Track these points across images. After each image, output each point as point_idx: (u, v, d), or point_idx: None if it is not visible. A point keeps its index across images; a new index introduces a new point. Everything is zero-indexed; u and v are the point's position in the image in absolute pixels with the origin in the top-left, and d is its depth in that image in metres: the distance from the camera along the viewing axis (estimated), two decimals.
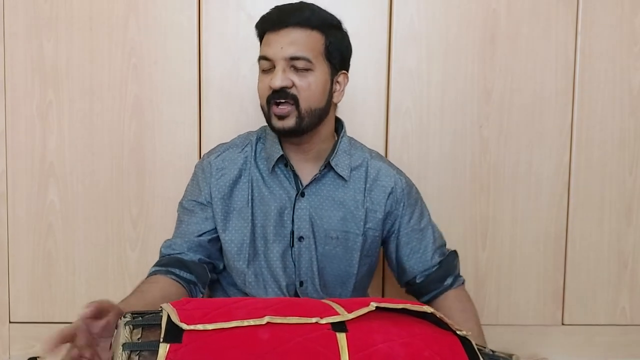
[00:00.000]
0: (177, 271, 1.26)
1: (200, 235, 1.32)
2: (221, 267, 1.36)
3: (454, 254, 1.43)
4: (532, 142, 1.73)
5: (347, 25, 1.69)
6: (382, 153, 1.70)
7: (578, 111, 1.73)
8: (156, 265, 1.30)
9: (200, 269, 1.30)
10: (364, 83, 1.69)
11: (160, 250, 1.33)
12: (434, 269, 1.38)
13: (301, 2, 1.29)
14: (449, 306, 1.35)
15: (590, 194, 1.75)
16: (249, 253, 1.31)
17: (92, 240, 1.69)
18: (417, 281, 1.38)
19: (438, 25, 1.69)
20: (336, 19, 1.30)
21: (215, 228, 1.32)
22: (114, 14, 1.64)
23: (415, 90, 1.70)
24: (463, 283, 1.42)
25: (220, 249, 1.35)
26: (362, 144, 1.43)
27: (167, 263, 1.28)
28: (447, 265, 1.39)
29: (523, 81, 1.71)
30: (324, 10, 1.29)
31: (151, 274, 1.28)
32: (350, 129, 1.66)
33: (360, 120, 1.69)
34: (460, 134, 1.72)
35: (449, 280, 1.38)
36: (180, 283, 1.25)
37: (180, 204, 1.38)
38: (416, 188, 1.43)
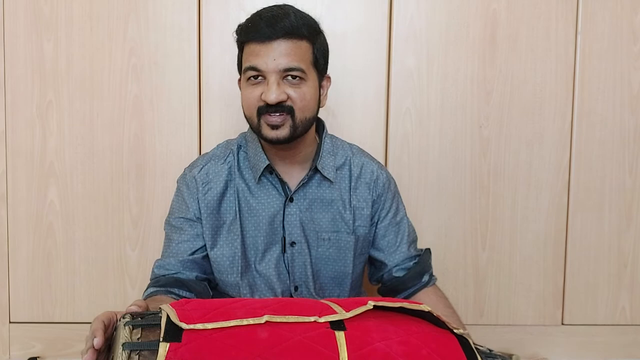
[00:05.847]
0: (176, 290, 1.24)
1: (193, 253, 1.29)
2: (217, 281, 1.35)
3: (429, 251, 1.42)
4: (532, 142, 1.73)
5: (347, 25, 1.70)
6: (382, 153, 1.70)
7: (578, 111, 1.73)
8: (153, 285, 1.26)
9: (200, 287, 1.27)
10: (364, 83, 1.69)
11: (153, 271, 1.30)
12: (412, 263, 1.37)
13: (283, 7, 1.23)
14: (434, 302, 1.33)
15: (590, 194, 1.75)
16: (241, 265, 1.29)
17: (92, 240, 1.69)
18: (395, 274, 1.36)
19: (438, 25, 1.69)
20: (317, 21, 1.26)
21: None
22: (114, 14, 1.65)
23: (415, 90, 1.70)
24: (436, 281, 1.41)
25: None
26: (341, 140, 1.40)
27: (166, 283, 1.25)
28: (425, 261, 1.38)
29: (523, 81, 1.71)
30: (305, 14, 1.24)
31: (150, 294, 1.24)
32: (350, 129, 1.66)
33: (360, 120, 1.69)
34: (460, 134, 1.72)
35: (426, 277, 1.37)
36: None
37: (167, 221, 1.34)
38: (394, 182, 1.42)
